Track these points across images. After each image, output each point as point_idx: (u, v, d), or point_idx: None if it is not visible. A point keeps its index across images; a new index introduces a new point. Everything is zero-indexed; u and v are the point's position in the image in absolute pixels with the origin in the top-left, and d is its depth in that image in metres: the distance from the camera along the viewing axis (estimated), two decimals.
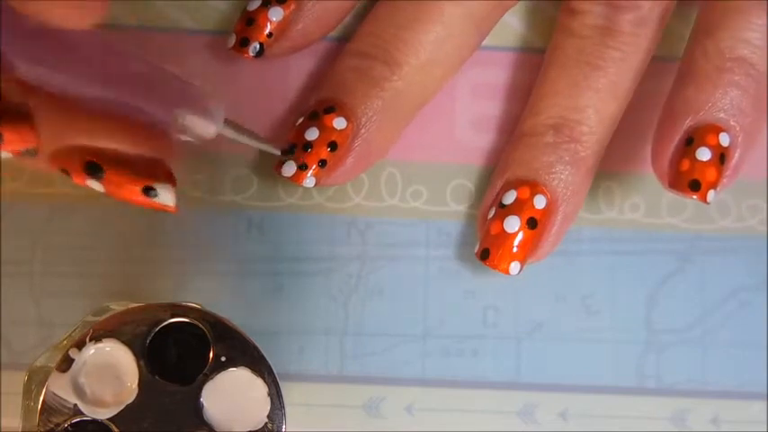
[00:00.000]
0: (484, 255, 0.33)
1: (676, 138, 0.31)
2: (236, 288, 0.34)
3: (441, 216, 0.35)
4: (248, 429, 0.27)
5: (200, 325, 0.27)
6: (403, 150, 0.35)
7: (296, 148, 0.32)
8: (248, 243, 0.34)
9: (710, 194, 0.30)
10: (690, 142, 0.30)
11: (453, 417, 0.34)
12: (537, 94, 0.34)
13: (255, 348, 0.27)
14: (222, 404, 0.27)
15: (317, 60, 0.35)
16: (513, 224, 0.32)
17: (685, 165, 0.30)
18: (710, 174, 0.30)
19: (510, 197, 0.33)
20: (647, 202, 0.36)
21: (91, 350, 0.26)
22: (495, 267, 0.32)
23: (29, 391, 0.27)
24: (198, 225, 0.34)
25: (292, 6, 0.33)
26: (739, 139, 0.30)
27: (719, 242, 0.35)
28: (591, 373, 0.35)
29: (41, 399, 0.26)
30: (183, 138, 0.27)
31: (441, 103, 0.35)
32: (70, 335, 0.27)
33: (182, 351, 0.27)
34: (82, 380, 0.26)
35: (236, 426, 0.27)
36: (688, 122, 0.31)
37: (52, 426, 0.26)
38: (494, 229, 0.33)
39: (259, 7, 0.33)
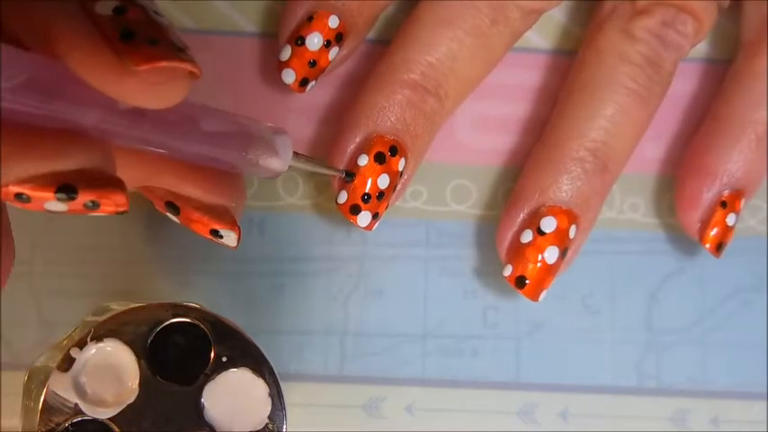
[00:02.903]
0: (520, 282, 0.33)
1: (709, 197, 0.34)
2: (236, 288, 0.34)
3: (441, 216, 0.35)
4: (249, 430, 0.27)
5: (201, 325, 0.27)
6: None
7: (370, 199, 0.32)
8: (248, 243, 0.34)
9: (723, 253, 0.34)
10: (724, 206, 0.34)
11: (453, 417, 0.34)
12: (581, 112, 0.33)
13: (256, 348, 0.27)
14: (223, 404, 0.27)
15: None
16: (553, 255, 0.32)
17: (716, 226, 0.34)
18: (730, 236, 0.34)
19: (550, 225, 0.32)
20: (647, 202, 0.36)
21: (92, 350, 0.26)
22: (528, 296, 0.33)
23: (29, 391, 0.27)
24: None
25: (351, 44, 0.33)
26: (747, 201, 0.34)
27: None
28: (591, 373, 0.35)
29: (42, 398, 0.26)
30: (258, 175, 0.29)
31: None
32: (70, 335, 0.27)
33: (182, 351, 0.27)
34: (83, 379, 0.26)
35: (237, 426, 0.27)
36: (724, 186, 0.34)
37: (53, 425, 0.26)
38: (532, 258, 0.32)
39: (322, 48, 0.33)
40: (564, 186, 0.33)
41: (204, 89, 0.35)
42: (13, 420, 0.33)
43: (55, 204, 0.24)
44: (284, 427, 0.27)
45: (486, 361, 0.35)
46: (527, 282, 0.32)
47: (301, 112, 0.35)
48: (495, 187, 0.35)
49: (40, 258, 0.34)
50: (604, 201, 0.34)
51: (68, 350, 0.26)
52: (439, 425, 0.34)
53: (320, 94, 0.35)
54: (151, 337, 0.27)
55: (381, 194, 0.32)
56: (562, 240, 0.32)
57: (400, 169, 0.32)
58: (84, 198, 0.24)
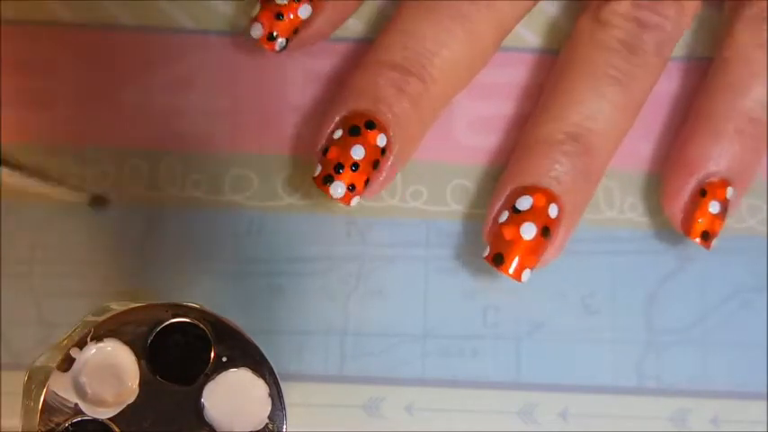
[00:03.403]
0: (497, 260, 0.32)
1: (689, 188, 0.34)
2: (236, 288, 0.34)
3: (441, 216, 0.35)
4: (249, 430, 0.27)
5: (201, 325, 0.27)
6: None
7: (343, 169, 0.32)
8: (248, 243, 0.34)
9: (714, 243, 0.34)
10: (703, 194, 0.33)
11: (453, 417, 0.34)
12: (558, 100, 0.33)
13: (256, 348, 0.27)
14: (223, 404, 0.27)
15: (314, 60, 0.35)
16: (529, 231, 0.32)
17: (699, 215, 0.33)
18: (718, 226, 0.34)
19: (525, 203, 0.32)
20: (646, 201, 0.36)
21: (92, 350, 0.26)
22: (507, 273, 0.32)
23: (29, 391, 0.27)
24: (198, 225, 0.34)
25: (321, 4, 0.33)
26: (738, 192, 0.34)
27: (719, 242, 0.35)
28: (591, 373, 0.35)
29: (42, 398, 0.26)
30: None
31: None
32: (70, 335, 0.27)
33: (183, 351, 0.27)
34: (83, 379, 0.26)
35: (237, 426, 0.27)
36: (702, 174, 0.33)
37: (53, 425, 0.26)
38: (508, 235, 0.32)
39: (290, 2, 0.33)
40: (541, 168, 0.33)
41: (203, 89, 0.35)
42: (13, 420, 0.33)
43: None
44: (284, 427, 0.27)
45: (487, 361, 0.35)
46: (504, 259, 0.32)
47: (300, 112, 0.35)
48: None
49: (40, 258, 0.34)
50: (593, 185, 0.33)
51: (68, 350, 0.26)
52: (439, 425, 0.34)
53: (319, 93, 0.35)
54: (151, 337, 0.27)
55: (356, 165, 0.32)
56: (539, 217, 0.32)
57: (379, 144, 0.32)
58: None
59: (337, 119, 0.32)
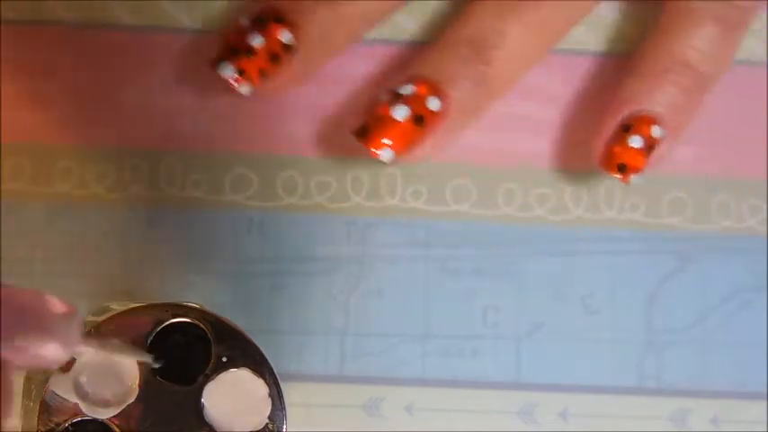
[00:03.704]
0: (361, 132, 0.32)
1: (616, 123, 0.33)
2: (236, 288, 0.34)
3: (441, 216, 0.35)
4: (249, 430, 0.27)
5: (201, 325, 0.27)
6: None
7: (237, 53, 0.32)
8: (248, 243, 0.34)
9: (633, 178, 0.33)
10: (627, 129, 0.32)
11: (453, 417, 0.34)
12: (469, 8, 0.33)
13: (256, 349, 0.27)
14: (223, 404, 0.27)
15: None
16: (401, 112, 0.32)
17: (618, 148, 0.33)
18: (640, 162, 0.33)
19: (407, 89, 0.32)
20: (647, 201, 0.36)
21: (92, 350, 0.26)
22: (367, 146, 0.32)
23: (28, 391, 0.27)
24: (198, 225, 0.34)
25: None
26: (668, 132, 0.33)
27: (719, 242, 0.35)
28: (591, 373, 0.35)
29: (42, 398, 0.26)
30: (31, 365, 0.22)
31: None
32: None
33: (183, 351, 0.27)
34: (83, 379, 0.26)
35: (237, 426, 0.27)
36: (627, 111, 0.33)
37: (52, 425, 0.26)
38: (380, 111, 0.32)
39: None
40: (433, 64, 0.33)
41: (203, 88, 0.35)
42: (13, 420, 0.33)
43: None
44: (284, 427, 0.27)
45: (487, 361, 0.35)
46: (368, 132, 0.32)
47: (300, 112, 0.35)
48: (495, 187, 0.35)
49: (40, 258, 0.34)
50: (486, 95, 0.33)
51: None
52: (439, 425, 0.34)
53: (319, 93, 0.35)
54: (151, 338, 0.27)
55: (251, 51, 0.32)
56: (415, 104, 0.32)
57: (282, 39, 0.32)
58: None
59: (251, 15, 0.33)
